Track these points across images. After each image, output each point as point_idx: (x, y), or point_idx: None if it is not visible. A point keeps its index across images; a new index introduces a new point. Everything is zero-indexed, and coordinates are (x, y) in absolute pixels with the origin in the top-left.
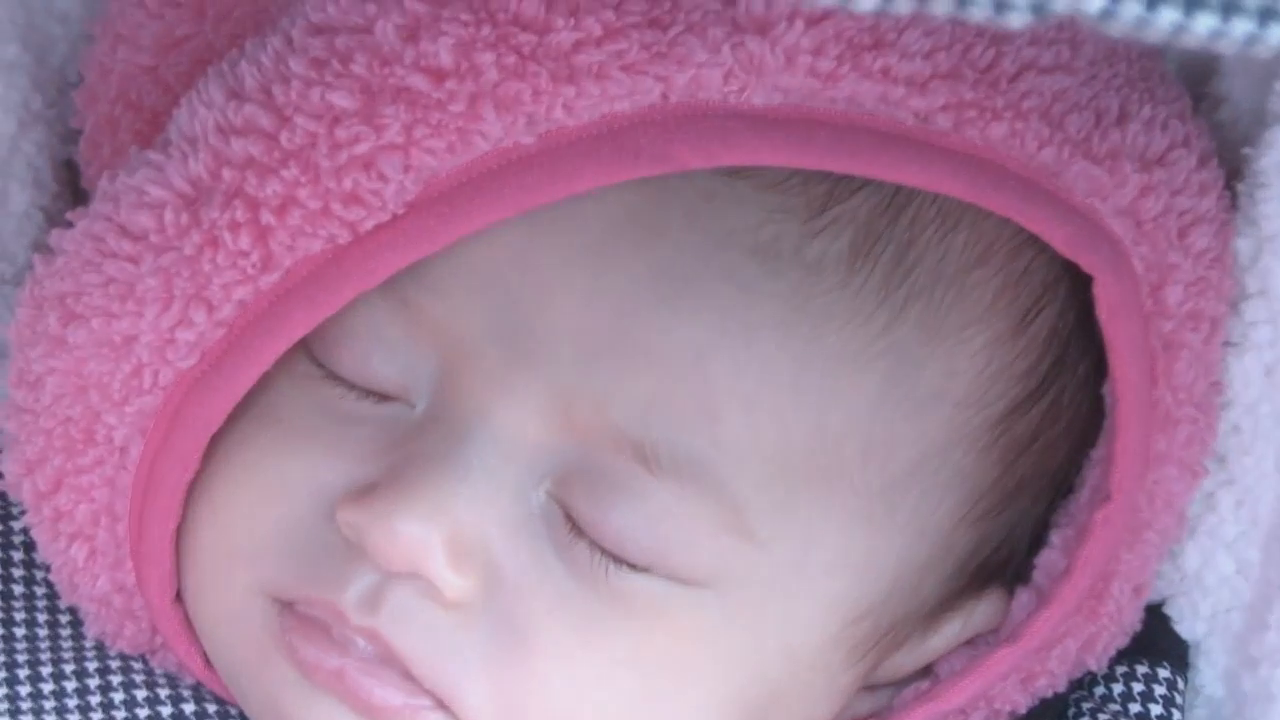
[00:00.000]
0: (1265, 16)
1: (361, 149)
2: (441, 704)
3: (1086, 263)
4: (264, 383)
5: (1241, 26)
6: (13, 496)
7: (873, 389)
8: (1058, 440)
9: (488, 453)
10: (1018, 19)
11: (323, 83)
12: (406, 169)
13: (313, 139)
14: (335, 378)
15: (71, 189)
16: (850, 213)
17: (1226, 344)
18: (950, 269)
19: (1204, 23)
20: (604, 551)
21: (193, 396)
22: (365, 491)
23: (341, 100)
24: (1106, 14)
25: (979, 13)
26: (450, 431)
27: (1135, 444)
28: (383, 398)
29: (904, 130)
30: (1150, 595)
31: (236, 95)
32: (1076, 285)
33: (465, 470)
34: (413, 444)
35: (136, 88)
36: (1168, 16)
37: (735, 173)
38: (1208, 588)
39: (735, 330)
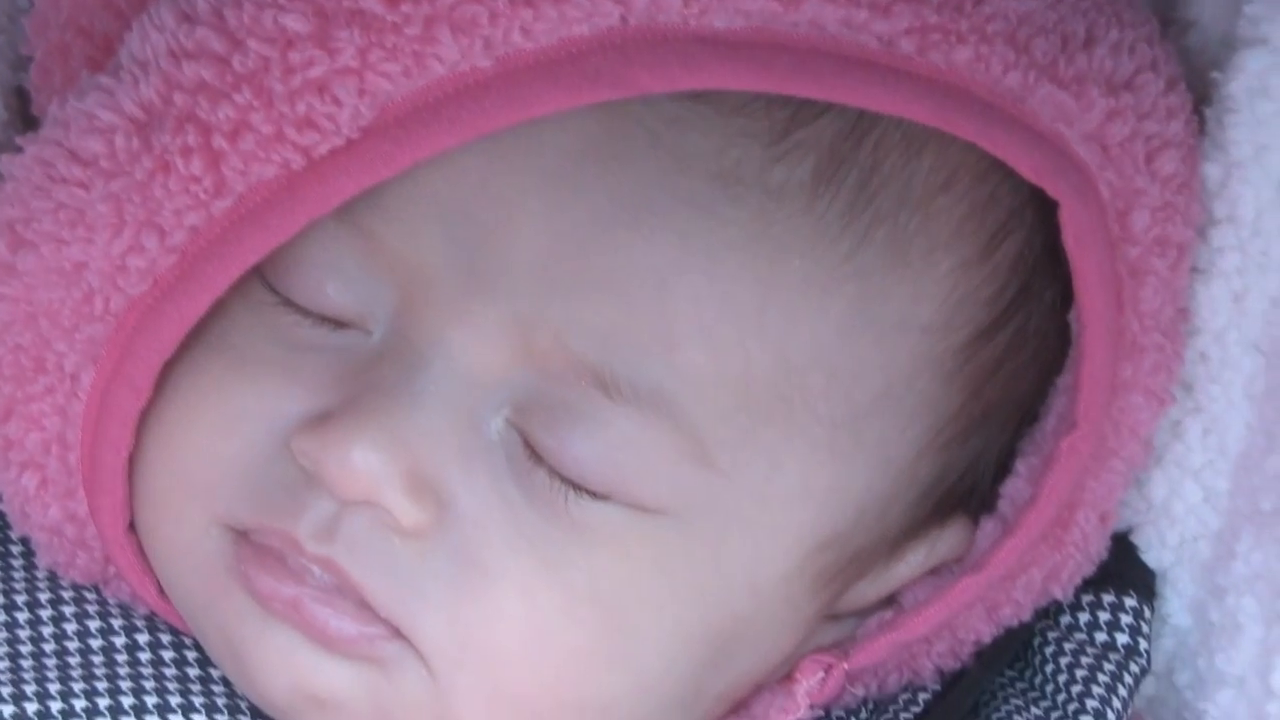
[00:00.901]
0: None
1: (315, 73)
2: (398, 634)
3: (1052, 188)
4: (218, 311)
5: None
6: None
7: (837, 316)
8: (1023, 368)
9: (445, 382)
10: None
11: (275, 6)
12: (361, 93)
13: (265, 63)
14: (290, 305)
15: (22, 117)
16: (814, 138)
17: (1194, 271)
18: (915, 195)
19: None
20: (563, 479)
21: (145, 324)
22: (321, 420)
23: (294, 24)
24: None
25: None
26: (407, 360)
27: (1101, 371)
28: (339, 325)
29: (867, 55)
30: (1117, 524)
31: (188, 18)
32: (1043, 211)
33: (422, 399)
34: (369, 373)
35: (88, 13)
36: None
37: (697, 97)
38: (1175, 517)
39: (697, 257)
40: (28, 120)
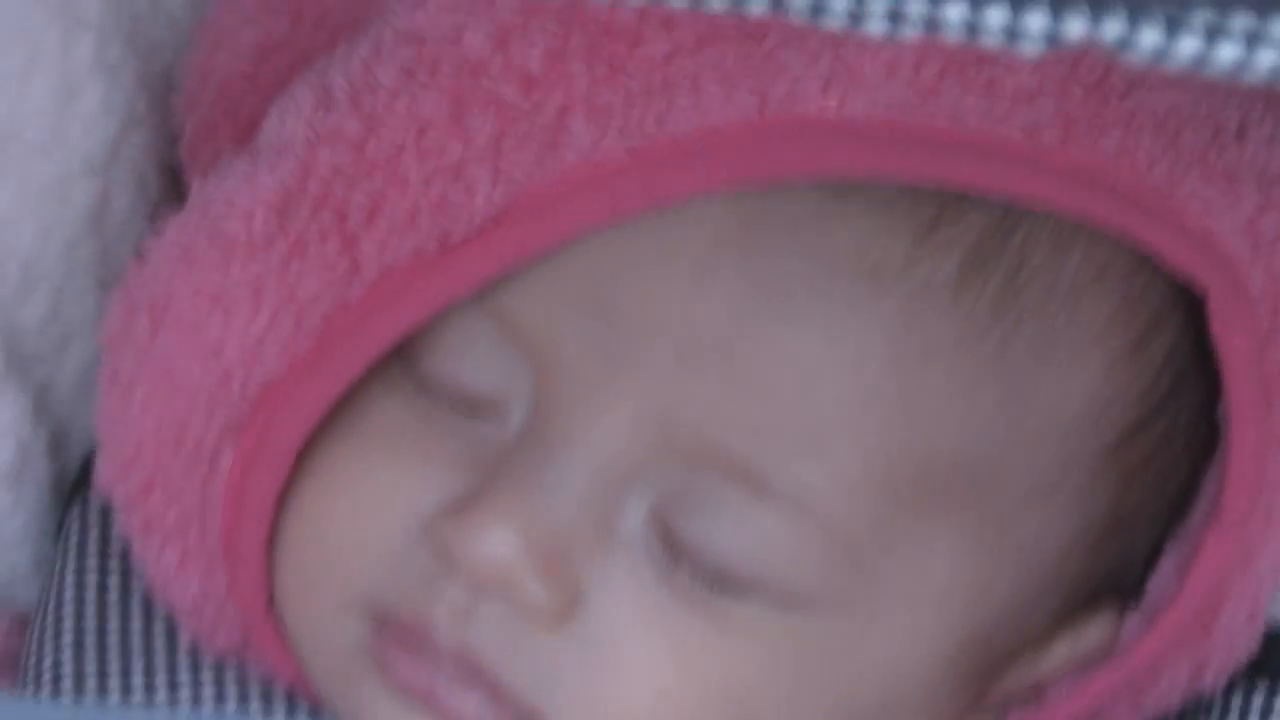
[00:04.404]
0: None
1: (449, 159)
2: None
3: (1200, 282)
4: (356, 394)
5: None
6: (108, 500)
7: (984, 413)
8: (1174, 464)
9: (582, 470)
10: (1030, 49)
11: (410, 91)
12: (495, 179)
13: (400, 148)
14: (428, 388)
15: (177, 194)
16: (960, 234)
17: None
18: (1063, 290)
19: (1228, 54)
20: (705, 573)
21: (281, 407)
22: (457, 507)
23: (429, 109)
24: (1124, 43)
25: (990, 40)
26: (544, 448)
27: (1249, 468)
28: (476, 410)
29: (1010, 146)
30: (1268, 621)
31: (324, 104)
32: (1192, 307)
33: (558, 488)
34: (507, 459)
35: (234, 93)
36: (1188, 46)
37: (841, 194)
38: None
39: (842, 353)
40: (182, 199)
